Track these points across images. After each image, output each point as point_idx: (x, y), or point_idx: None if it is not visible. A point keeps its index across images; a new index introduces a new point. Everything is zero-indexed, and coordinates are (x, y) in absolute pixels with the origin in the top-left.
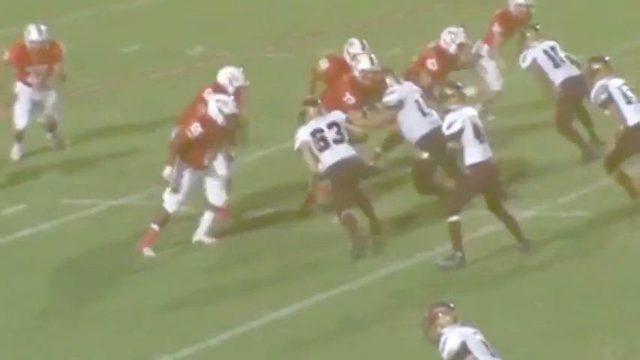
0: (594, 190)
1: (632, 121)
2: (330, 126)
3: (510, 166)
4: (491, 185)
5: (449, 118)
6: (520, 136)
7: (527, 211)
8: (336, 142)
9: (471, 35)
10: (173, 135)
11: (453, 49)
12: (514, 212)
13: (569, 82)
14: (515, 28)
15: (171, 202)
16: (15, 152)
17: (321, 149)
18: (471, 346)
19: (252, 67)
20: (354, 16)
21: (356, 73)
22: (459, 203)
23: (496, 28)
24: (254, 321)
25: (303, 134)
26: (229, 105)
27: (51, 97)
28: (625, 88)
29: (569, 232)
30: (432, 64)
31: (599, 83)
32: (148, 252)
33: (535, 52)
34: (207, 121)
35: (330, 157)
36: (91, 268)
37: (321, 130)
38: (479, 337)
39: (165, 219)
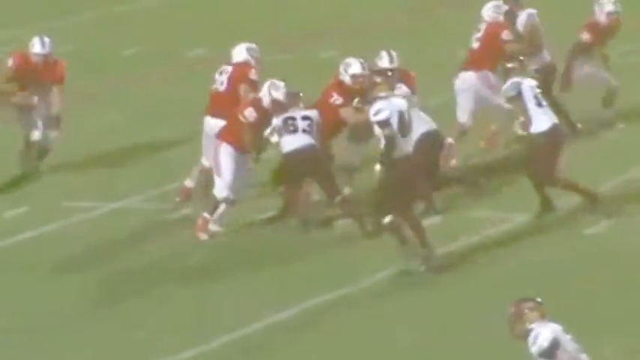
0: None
1: (545, 125)
2: (303, 118)
3: (511, 167)
4: (409, 183)
5: (377, 105)
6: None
7: (527, 212)
8: (304, 131)
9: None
10: (208, 125)
11: (500, 19)
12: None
13: (549, 68)
14: (608, 37)
15: (220, 187)
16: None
17: (289, 133)
18: (561, 343)
19: None
20: (354, 17)
21: (345, 78)
22: (387, 204)
23: (587, 38)
24: (255, 323)
25: (276, 120)
26: (280, 90)
27: (48, 110)
28: (537, 90)
29: (570, 232)
30: (506, 34)
31: (512, 80)
32: (202, 236)
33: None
34: (259, 105)
35: (292, 142)
36: (92, 270)
37: (293, 118)
38: (568, 335)
39: (215, 206)
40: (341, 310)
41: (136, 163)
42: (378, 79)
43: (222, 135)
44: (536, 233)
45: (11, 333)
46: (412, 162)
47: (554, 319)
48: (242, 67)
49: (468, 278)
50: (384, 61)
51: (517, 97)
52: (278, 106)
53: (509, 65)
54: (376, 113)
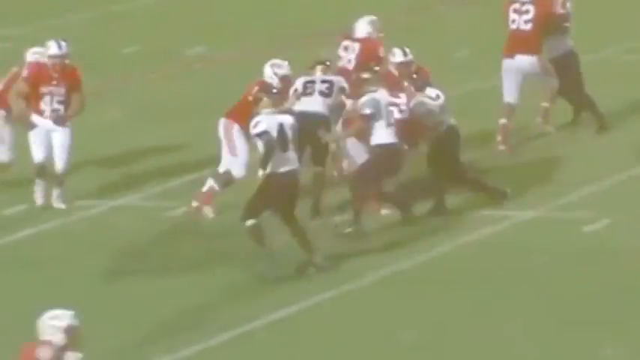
0: (594, 192)
1: (384, 140)
2: (323, 81)
3: (511, 166)
4: (289, 197)
5: (257, 118)
6: (521, 135)
7: (527, 211)
8: (321, 93)
9: (472, 35)
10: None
11: None
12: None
13: (571, 55)
14: None
15: (240, 166)
16: (38, 195)
17: (306, 95)
18: None
19: (253, 68)
20: (354, 16)
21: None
22: (254, 209)
23: None
24: (254, 321)
25: (297, 82)
26: (283, 67)
27: (61, 136)
28: (390, 107)
29: (570, 232)
30: (557, 6)
31: (370, 95)
32: (208, 211)
33: None
34: (264, 85)
35: (306, 104)
36: (92, 268)
37: (313, 82)
38: None
39: (228, 182)
40: (340, 308)
41: (136, 160)
42: (264, 97)
43: (234, 116)
44: (536, 232)
45: (9, 331)
46: (296, 176)
47: (553, 319)
48: (369, 44)
49: (467, 277)
50: (397, 57)
51: (375, 115)
52: (289, 82)
53: (365, 75)
54: (254, 126)
